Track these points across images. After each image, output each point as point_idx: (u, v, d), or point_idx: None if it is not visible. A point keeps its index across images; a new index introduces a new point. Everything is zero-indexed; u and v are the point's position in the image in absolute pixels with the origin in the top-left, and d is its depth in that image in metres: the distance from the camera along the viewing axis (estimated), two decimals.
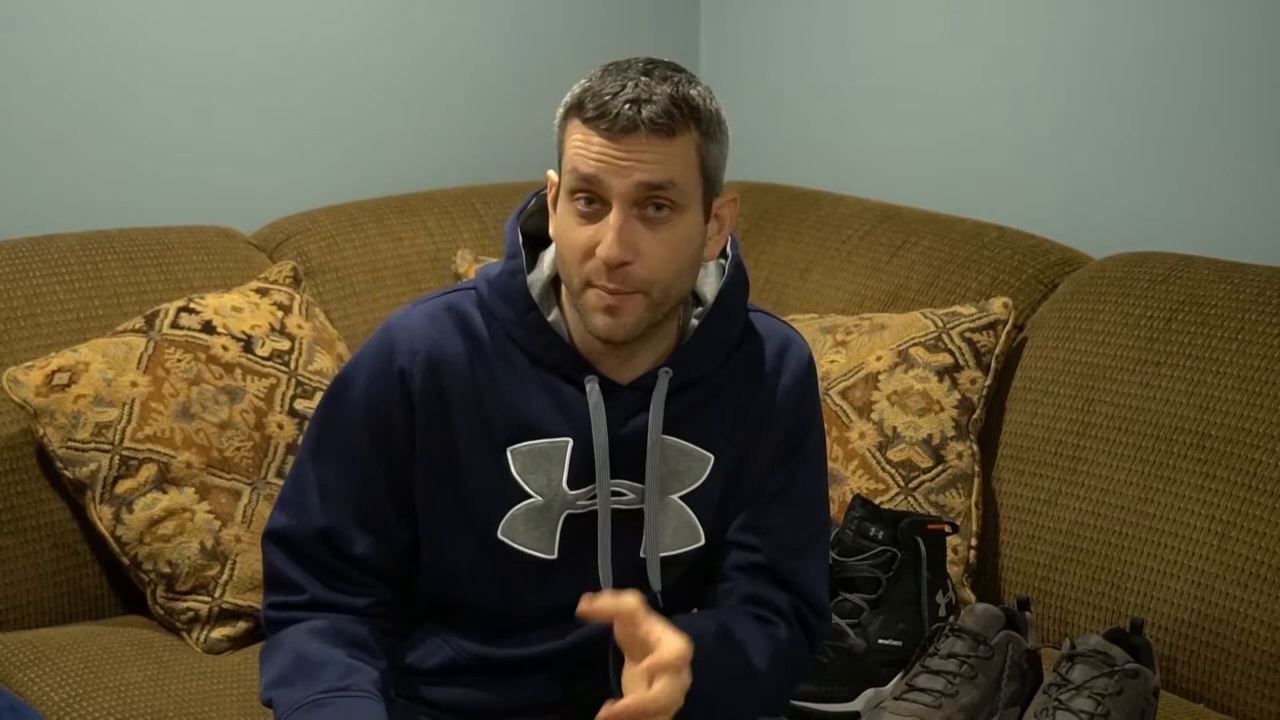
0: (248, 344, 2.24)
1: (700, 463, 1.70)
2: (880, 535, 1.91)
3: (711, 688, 1.56)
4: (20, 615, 2.16)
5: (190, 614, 2.12)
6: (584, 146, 1.56)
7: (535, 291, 1.66)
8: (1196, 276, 2.18)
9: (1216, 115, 2.36)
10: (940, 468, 2.20)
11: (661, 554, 1.70)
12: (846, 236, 2.62)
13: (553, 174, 1.64)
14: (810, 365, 1.76)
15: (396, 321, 1.68)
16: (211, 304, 2.28)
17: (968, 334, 2.27)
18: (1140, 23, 2.43)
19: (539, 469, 1.66)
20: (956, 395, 2.24)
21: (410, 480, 1.68)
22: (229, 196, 2.68)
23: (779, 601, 1.71)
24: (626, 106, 1.55)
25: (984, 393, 2.25)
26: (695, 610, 1.74)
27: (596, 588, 1.65)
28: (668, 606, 1.70)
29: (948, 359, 2.26)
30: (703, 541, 1.72)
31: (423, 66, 2.85)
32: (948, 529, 2.02)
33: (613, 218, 1.56)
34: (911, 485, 2.19)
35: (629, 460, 1.67)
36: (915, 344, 2.28)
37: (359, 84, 2.80)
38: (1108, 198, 2.51)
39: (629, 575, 1.69)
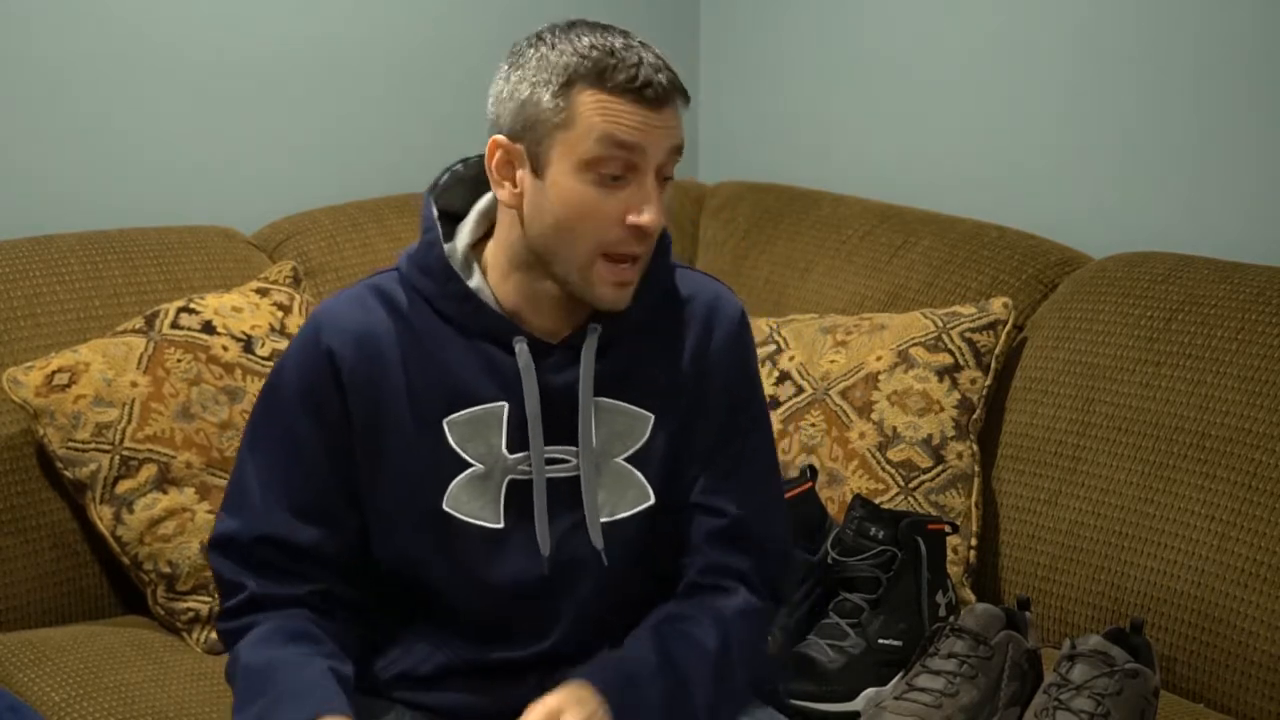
0: (248, 344, 2.24)
1: (640, 422, 1.70)
2: (880, 535, 1.91)
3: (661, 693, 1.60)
4: (20, 615, 2.16)
5: (191, 614, 2.12)
6: (622, 117, 1.57)
7: (455, 262, 1.67)
8: (1196, 276, 2.18)
9: (1217, 115, 2.36)
10: (940, 468, 2.20)
11: (611, 517, 1.69)
12: (846, 236, 2.62)
13: (504, 140, 1.62)
14: (743, 319, 1.76)
15: (323, 308, 1.71)
16: (211, 304, 2.28)
17: (968, 334, 2.27)
18: (1140, 22, 2.43)
19: (477, 436, 1.66)
20: (956, 395, 2.24)
21: (352, 462, 1.68)
22: (229, 196, 2.68)
23: (741, 566, 1.71)
24: (659, 75, 1.58)
25: (984, 393, 2.25)
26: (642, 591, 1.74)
27: (579, 563, 1.68)
28: (612, 569, 1.69)
29: (948, 359, 2.26)
30: (652, 500, 1.71)
31: (423, 65, 2.85)
32: (948, 529, 2.02)
33: (651, 184, 1.59)
34: (911, 485, 2.19)
35: (566, 423, 1.67)
36: (915, 344, 2.28)
37: (359, 84, 2.80)
38: (1107, 198, 2.51)
39: (574, 540, 1.68)
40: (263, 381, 2.20)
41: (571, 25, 1.63)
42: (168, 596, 2.13)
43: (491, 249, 1.70)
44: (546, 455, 1.67)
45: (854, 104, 2.88)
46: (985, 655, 1.79)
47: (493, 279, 1.68)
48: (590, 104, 1.58)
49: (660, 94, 1.58)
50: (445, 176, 1.74)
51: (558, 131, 1.59)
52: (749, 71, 3.07)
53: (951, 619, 1.85)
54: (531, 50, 1.62)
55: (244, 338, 2.25)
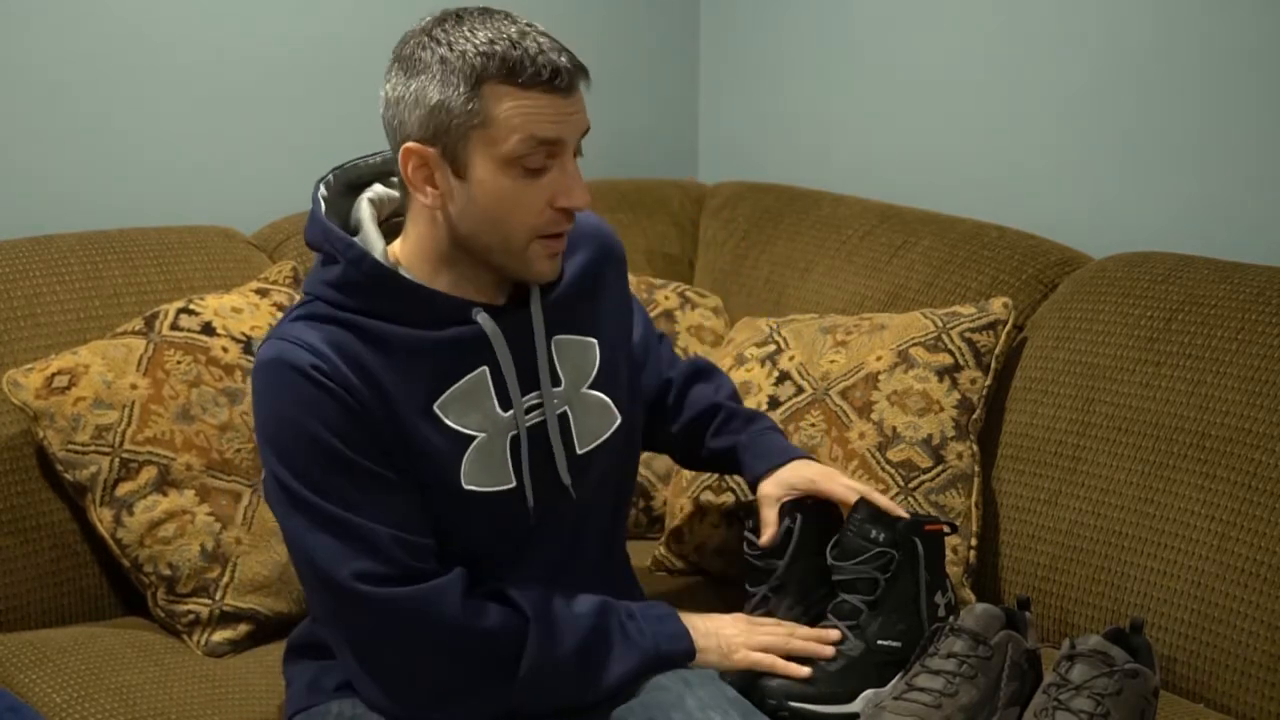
0: (247, 345, 2.24)
1: (590, 349, 1.81)
2: (881, 537, 1.91)
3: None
4: (21, 616, 2.16)
5: (191, 616, 2.12)
6: (539, 112, 1.60)
7: (387, 265, 1.70)
8: (1196, 276, 2.18)
9: (1217, 115, 2.35)
10: (940, 468, 2.20)
11: (594, 443, 1.80)
12: (846, 236, 2.62)
13: (418, 146, 1.63)
14: (613, 231, 1.91)
15: (273, 351, 1.67)
16: (211, 305, 2.28)
17: (968, 334, 2.27)
18: (1142, 23, 2.43)
19: (471, 408, 1.70)
20: (956, 395, 2.24)
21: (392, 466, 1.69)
22: (229, 196, 2.68)
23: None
24: (562, 59, 1.61)
25: (984, 393, 2.25)
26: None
27: (554, 504, 1.76)
28: (582, 501, 1.79)
29: (948, 359, 2.26)
30: (619, 418, 1.83)
31: None
32: (946, 529, 2.02)
33: (570, 167, 1.65)
34: (911, 485, 2.19)
35: (535, 372, 1.74)
36: (915, 344, 2.27)
37: (359, 84, 2.78)
38: (1107, 198, 2.51)
39: (569, 474, 1.77)
40: None
41: (459, 18, 1.64)
42: (168, 599, 2.13)
43: (407, 250, 1.73)
44: (527, 404, 1.74)
45: (854, 104, 2.88)
46: (985, 655, 1.79)
47: (419, 276, 1.71)
48: (505, 103, 1.60)
49: (569, 80, 1.61)
50: (322, 205, 1.74)
51: (474, 132, 1.61)
52: (749, 71, 3.07)
53: (951, 619, 1.85)
54: (426, 52, 1.62)
55: (244, 339, 2.25)
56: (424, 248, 1.71)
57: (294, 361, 1.64)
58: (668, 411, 2.06)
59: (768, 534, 1.93)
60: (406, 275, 1.70)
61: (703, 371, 2.10)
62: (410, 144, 1.64)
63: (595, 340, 1.82)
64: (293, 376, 1.64)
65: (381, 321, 1.68)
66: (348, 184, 1.79)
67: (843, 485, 1.95)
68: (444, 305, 1.70)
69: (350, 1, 2.77)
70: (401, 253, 1.73)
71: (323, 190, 1.75)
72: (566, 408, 1.78)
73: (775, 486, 1.96)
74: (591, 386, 1.81)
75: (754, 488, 1.99)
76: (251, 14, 2.68)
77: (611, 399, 1.83)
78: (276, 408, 1.66)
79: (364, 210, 1.75)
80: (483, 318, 1.70)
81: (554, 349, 1.77)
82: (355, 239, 1.71)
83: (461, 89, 1.60)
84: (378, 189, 1.79)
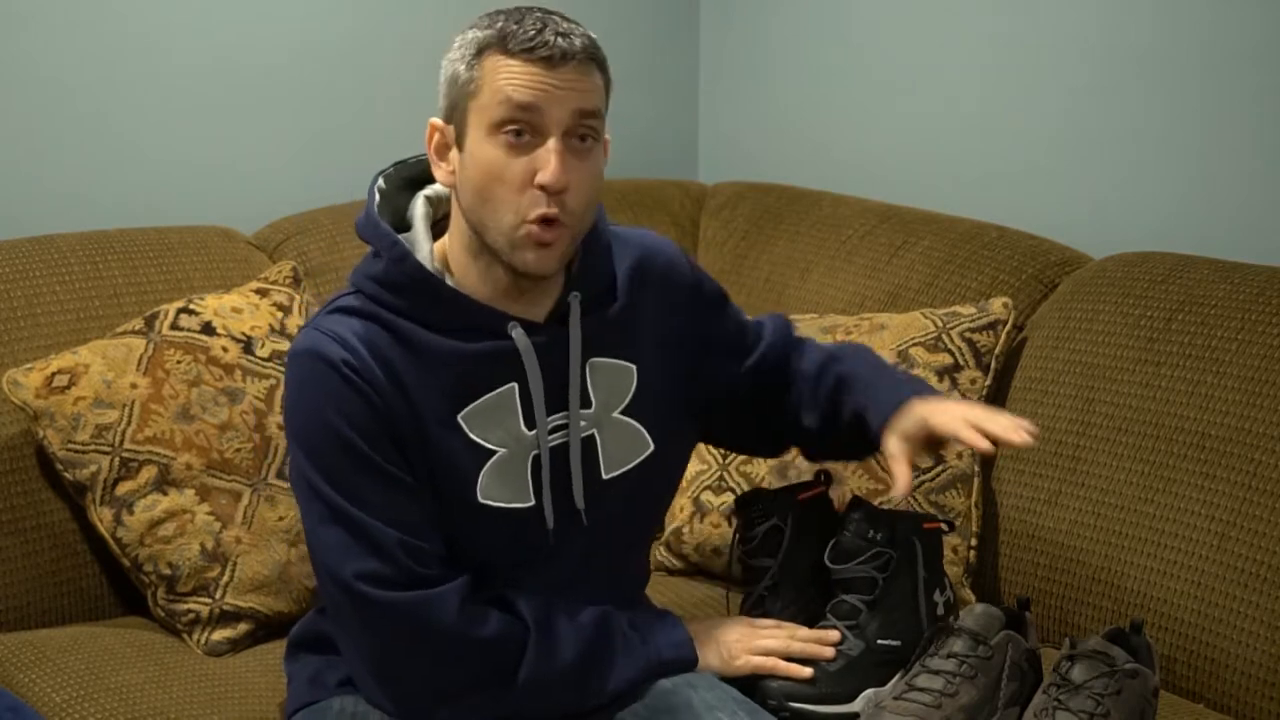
0: (247, 345, 2.24)
1: (626, 374, 1.78)
2: (879, 537, 1.91)
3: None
4: (20, 616, 2.16)
5: (191, 616, 2.12)
6: (518, 76, 1.61)
7: (432, 269, 1.70)
8: (1196, 276, 2.18)
9: (1217, 115, 2.35)
10: (940, 468, 2.20)
11: (621, 469, 1.77)
12: (846, 236, 2.62)
13: (439, 122, 1.69)
14: (677, 249, 1.87)
15: (308, 342, 1.68)
16: (211, 305, 2.27)
17: (968, 334, 2.27)
18: (1142, 22, 2.43)
19: (495, 424, 1.70)
20: (956, 395, 2.24)
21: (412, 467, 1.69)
22: (229, 196, 2.68)
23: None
24: (558, 38, 1.62)
25: (984, 393, 2.25)
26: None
27: (569, 526, 1.74)
28: (594, 527, 1.76)
29: (948, 359, 2.25)
30: (652, 447, 1.80)
31: (423, 65, 2.84)
32: (944, 528, 2.02)
33: (553, 144, 1.63)
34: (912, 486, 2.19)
35: (568, 391, 1.73)
36: (915, 344, 2.27)
37: (359, 83, 2.80)
38: (1107, 198, 2.51)
39: (588, 498, 1.75)
40: (262, 384, 2.21)
41: (500, 11, 1.67)
42: (168, 598, 2.13)
43: (449, 246, 1.73)
44: (554, 424, 1.72)
45: (854, 104, 2.88)
46: (985, 655, 1.79)
47: (460, 276, 1.71)
48: (493, 68, 1.62)
49: (556, 53, 1.61)
50: (378, 199, 1.76)
51: (470, 101, 1.64)
52: (749, 71, 3.07)
53: (952, 619, 1.85)
54: (460, 37, 1.67)
55: (244, 339, 2.25)
56: (458, 240, 1.72)
57: (325, 354, 1.66)
58: (787, 405, 1.93)
59: (899, 487, 1.77)
60: (448, 281, 1.70)
61: (790, 343, 1.96)
62: (434, 120, 1.69)
63: (633, 365, 1.79)
64: (323, 369, 1.66)
65: (417, 325, 1.68)
66: (408, 179, 1.80)
67: (946, 423, 1.75)
68: (480, 316, 1.69)
69: (351, 3, 2.77)
70: (446, 247, 1.74)
71: (380, 183, 1.77)
72: (595, 431, 1.76)
73: (895, 440, 1.78)
74: (624, 412, 1.78)
75: (880, 444, 1.83)
76: (252, 15, 2.68)
77: (645, 426, 1.80)
78: (304, 398, 1.68)
79: (418, 208, 1.76)
80: (518, 333, 1.69)
81: (588, 371, 1.75)
82: (403, 237, 1.72)
83: (468, 59, 1.65)
84: (437, 187, 1.79)
